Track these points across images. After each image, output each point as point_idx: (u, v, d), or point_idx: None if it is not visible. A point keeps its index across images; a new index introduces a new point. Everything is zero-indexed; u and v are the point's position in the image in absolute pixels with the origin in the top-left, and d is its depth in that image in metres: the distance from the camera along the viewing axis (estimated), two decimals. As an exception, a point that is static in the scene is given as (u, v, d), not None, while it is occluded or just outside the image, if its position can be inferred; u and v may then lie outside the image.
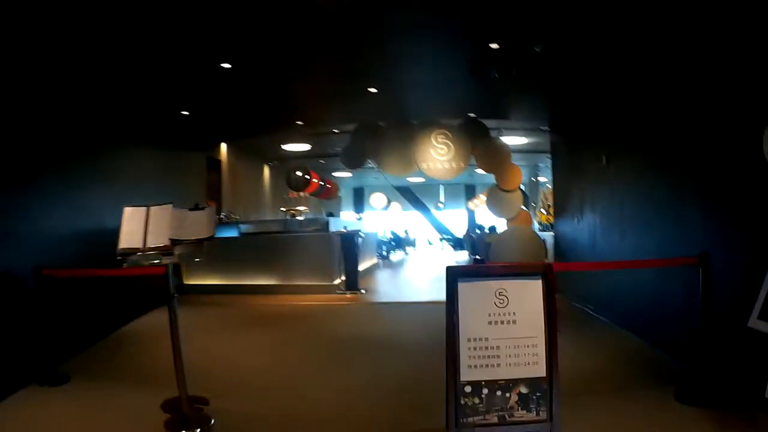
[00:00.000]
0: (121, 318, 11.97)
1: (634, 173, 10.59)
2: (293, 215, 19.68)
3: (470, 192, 45.76)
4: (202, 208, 6.16)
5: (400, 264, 30.66)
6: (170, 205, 6.02)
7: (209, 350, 9.45)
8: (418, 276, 23.62)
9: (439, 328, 5.71)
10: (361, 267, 19.73)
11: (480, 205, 39.08)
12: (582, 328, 11.22)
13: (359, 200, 46.30)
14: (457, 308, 5.40)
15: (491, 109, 17.97)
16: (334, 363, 8.99)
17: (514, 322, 5.49)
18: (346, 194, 43.18)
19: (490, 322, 5.44)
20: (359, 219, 32.34)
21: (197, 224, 5.97)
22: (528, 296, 5.54)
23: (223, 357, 9.28)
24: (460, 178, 38.90)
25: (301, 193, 19.44)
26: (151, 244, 5.88)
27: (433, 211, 46.21)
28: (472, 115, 18.24)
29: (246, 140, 23.18)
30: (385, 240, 34.22)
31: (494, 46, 11.19)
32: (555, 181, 17.01)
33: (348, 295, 15.87)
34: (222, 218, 19.41)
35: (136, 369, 8.71)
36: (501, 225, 22.24)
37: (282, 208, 19.80)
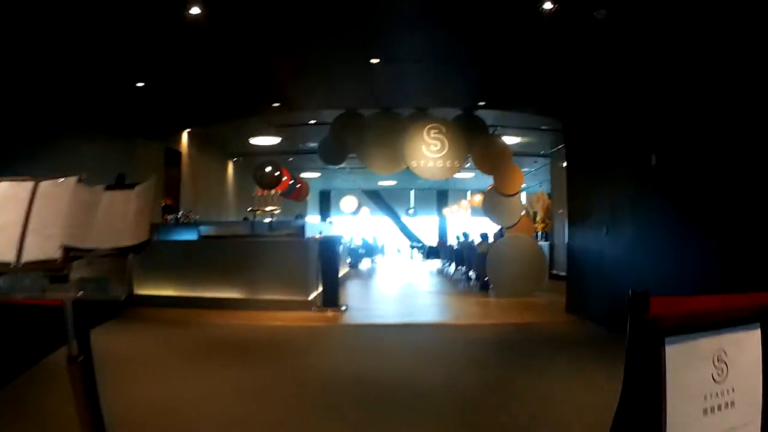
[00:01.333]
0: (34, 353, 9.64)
1: (700, 177, 8.57)
2: (263, 216, 16.99)
3: (442, 198, 44.28)
4: (131, 186, 2.86)
5: (371, 274, 28.34)
6: (73, 180, 2.77)
7: (149, 395, 6.87)
8: (399, 289, 21.11)
9: (457, 366, 3.62)
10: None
11: (460, 211, 37.30)
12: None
13: (326, 204, 44.15)
14: (663, 393, 2.66)
15: (490, 99, 15.84)
16: (317, 426, 6.32)
17: (732, 404, 2.75)
18: (311, 197, 39.97)
19: (705, 411, 2.69)
20: (331, 223, 29.90)
21: (118, 219, 2.85)
22: (745, 359, 2.83)
23: (166, 408, 6.59)
24: (432, 183, 36.83)
25: (271, 192, 16.78)
26: (31, 256, 2.61)
27: (403, 217, 44.72)
28: (481, 104, 16.09)
29: (210, 129, 20.97)
30: (354, 247, 32.59)
31: (548, 6, 9.13)
32: (570, 185, 14.62)
33: (328, 314, 13.38)
34: (179, 218, 17.04)
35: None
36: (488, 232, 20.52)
37: (249, 208, 17.07)
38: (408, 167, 17.02)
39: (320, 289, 14.16)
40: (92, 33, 10.17)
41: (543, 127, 19.98)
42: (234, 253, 14.42)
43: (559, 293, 15.90)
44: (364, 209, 41.77)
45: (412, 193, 44.13)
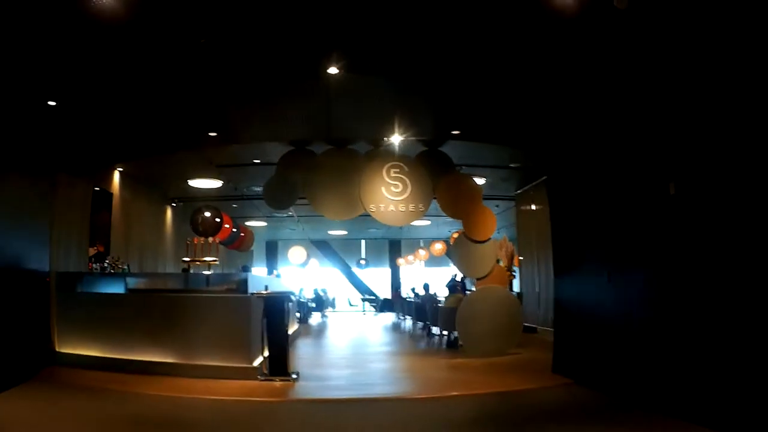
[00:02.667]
0: None
1: (737, 207, 7.29)
2: (201, 268, 14.86)
3: (395, 248, 43.28)
4: None
5: (323, 330, 26.38)
6: None
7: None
8: (355, 348, 18.94)
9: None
10: None
11: (416, 262, 35.89)
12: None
13: (272, 254, 43.06)
14: None
15: (464, 127, 13.99)
16: None
17: None
18: (257, 247, 39.05)
19: None
20: (278, 276, 28.06)
21: None
22: None
23: None
24: (384, 232, 37.09)
25: (209, 240, 14.72)
26: None
27: (354, 268, 43.37)
28: (455, 133, 14.15)
29: (145, 169, 19.23)
30: (304, 301, 30.70)
31: None
32: (555, 227, 12.75)
33: (276, 384, 11.28)
34: (105, 267, 15.10)
35: None
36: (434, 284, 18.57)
37: (184, 258, 14.95)
38: (365, 212, 15.21)
39: (266, 353, 12.05)
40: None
41: (512, 165, 18.44)
42: (166, 310, 12.56)
43: (535, 349, 15.33)
44: (313, 260, 40.17)
45: (363, 243, 43.17)
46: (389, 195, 14.87)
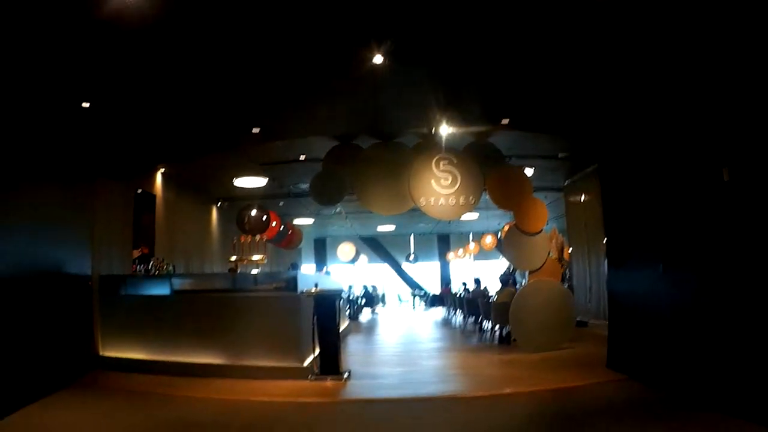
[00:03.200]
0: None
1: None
2: (248, 267, 14.60)
3: (444, 243, 43.18)
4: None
5: (373, 327, 25.93)
6: None
7: None
8: (406, 345, 18.46)
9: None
10: None
11: (466, 256, 35.54)
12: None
13: (321, 252, 43.17)
14: None
15: (515, 115, 13.45)
16: None
17: None
18: (306, 245, 39.45)
19: None
20: (328, 273, 27.76)
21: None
22: None
23: None
24: (433, 227, 37.24)
25: (257, 238, 14.49)
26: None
27: (403, 264, 43.21)
28: (504, 122, 13.62)
29: (187, 169, 18.97)
30: (354, 298, 30.67)
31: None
32: (608, 217, 12.44)
33: (327, 383, 11.03)
34: (150, 270, 14.85)
35: None
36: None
37: (231, 258, 14.73)
38: (414, 206, 14.94)
39: (317, 352, 11.84)
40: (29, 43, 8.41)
41: (561, 155, 18.14)
42: (213, 311, 12.34)
43: (587, 343, 14.95)
44: (362, 257, 39.96)
45: (412, 238, 42.72)
46: (439, 188, 14.52)
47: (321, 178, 15.17)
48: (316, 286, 12.28)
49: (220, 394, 10.16)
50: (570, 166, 19.83)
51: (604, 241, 17.37)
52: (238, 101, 11.81)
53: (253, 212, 18.31)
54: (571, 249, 22.09)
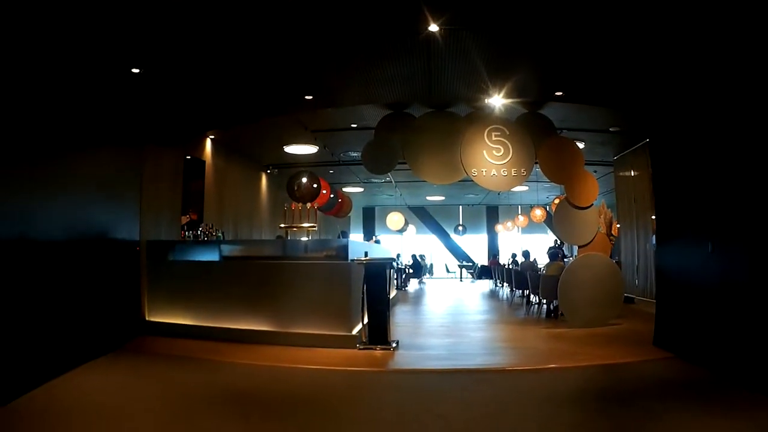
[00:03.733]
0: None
1: None
2: (298, 234, 14.53)
3: (492, 214, 42.64)
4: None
5: (421, 297, 25.81)
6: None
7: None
8: (453, 317, 18.25)
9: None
10: None
11: (512, 229, 35.48)
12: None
13: (369, 221, 42.96)
14: None
15: (567, 88, 13.24)
16: None
17: None
18: (354, 214, 39.53)
19: None
20: (378, 242, 27.76)
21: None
22: None
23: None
24: (482, 198, 36.99)
25: (308, 205, 14.41)
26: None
27: (451, 235, 42.93)
28: (558, 94, 13.54)
29: (237, 135, 18.95)
30: (402, 267, 30.63)
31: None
32: (657, 189, 12.18)
33: (376, 352, 11.09)
34: (198, 235, 14.94)
35: None
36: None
37: (281, 225, 14.67)
38: (466, 176, 14.83)
39: (365, 321, 11.84)
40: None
41: (612, 129, 17.91)
42: (262, 278, 12.46)
43: (634, 320, 15.03)
44: (411, 227, 39.93)
45: (461, 209, 42.43)
46: (491, 159, 14.41)
47: (373, 146, 15.07)
48: (366, 254, 12.30)
49: (268, 361, 10.18)
50: (620, 141, 19.58)
51: (653, 217, 17.46)
52: (290, 68, 11.69)
53: (304, 179, 18.21)
54: (618, 225, 21.89)
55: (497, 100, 13.68)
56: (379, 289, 11.59)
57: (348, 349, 11.24)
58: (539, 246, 32.56)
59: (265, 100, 13.80)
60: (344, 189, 29.45)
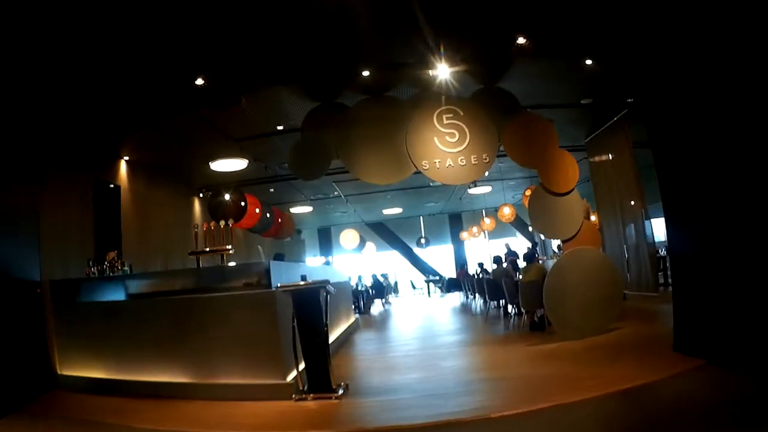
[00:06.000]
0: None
1: None
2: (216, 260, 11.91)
3: (456, 222, 40.84)
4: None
5: (385, 321, 23.20)
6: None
7: None
8: (423, 341, 15.44)
9: None
10: (335, 335, 13.96)
11: (479, 235, 34.03)
12: None
13: (326, 242, 41.02)
14: None
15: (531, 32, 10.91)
16: None
17: None
18: (310, 236, 38.98)
19: None
20: (328, 263, 25.56)
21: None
22: None
23: None
24: (443, 206, 35.75)
25: (221, 224, 11.77)
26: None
27: (414, 249, 41.28)
28: (521, 42, 11.07)
29: (153, 157, 17.14)
30: (362, 289, 28.60)
31: None
32: (658, 160, 9.82)
33: (314, 404, 8.52)
34: (104, 271, 12.52)
35: None
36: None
37: (189, 252, 12.10)
38: (417, 171, 12.52)
39: (303, 364, 9.22)
40: None
41: (583, 101, 15.67)
42: (175, 317, 10.21)
43: (634, 320, 13.02)
44: (369, 244, 38.27)
45: (422, 220, 40.62)
46: (444, 147, 12.21)
47: (299, 147, 12.89)
48: (304, 279, 9.74)
49: (187, 421, 8.23)
50: (592, 117, 17.66)
51: (632, 203, 16.94)
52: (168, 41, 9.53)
53: (228, 196, 15.88)
54: (593, 217, 19.85)
55: (445, 71, 11.57)
56: (313, 321, 8.97)
57: (282, 401, 8.83)
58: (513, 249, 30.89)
59: (155, 95, 11.67)
60: (292, 209, 27.70)
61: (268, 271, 9.83)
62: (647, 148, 10.35)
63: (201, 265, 11.48)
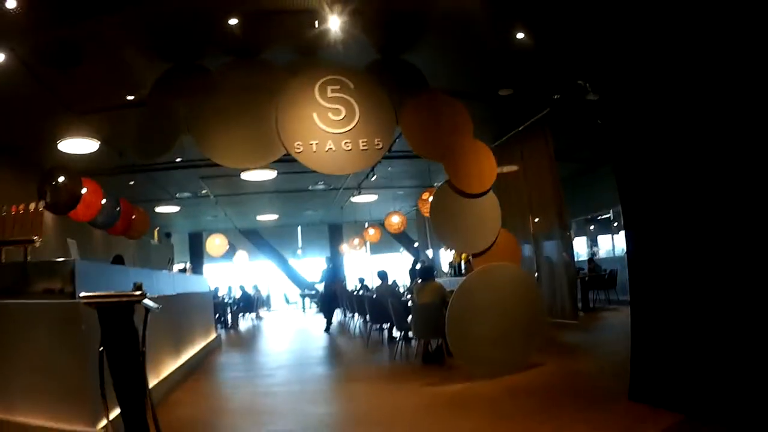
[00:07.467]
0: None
1: None
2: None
3: (336, 234, 39.29)
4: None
5: (252, 338, 21.20)
6: None
7: None
8: (291, 368, 13.07)
9: None
10: (184, 358, 11.79)
11: (361, 247, 32.50)
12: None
13: (197, 248, 38.35)
14: None
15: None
16: None
17: None
18: (180, 241, 36.71)
19: None
20: (183, 270, 22.89)
21: None
22: None
23: None
24: (323, 216, 34.30)
25: (30, 206, 9.07)
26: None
27: (290, 260, 39.91)
28: None
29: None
30: (229, 302, 26.88)
31: None
32: (617, 163, 8.23)
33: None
34: None
35: None
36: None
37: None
38: (287, 155, 9.90)
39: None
40: None
41: (501, 93, 13.55)
42: None
43: (558, 354, 11.15)
44: (242, 253, 36.41)
45: (299, 230, 39.66)
46: (325, 126, 9.70)
47: (144, 118, 10.34)
48: (137, 288, 6.81)
49: None
50: (506, 117, 15.90)
51: (536, 220, 16.71)
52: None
53: (61, 178, 13.01)
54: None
55: (335, 24, 9.21)
56: (126, 349, 6.10)
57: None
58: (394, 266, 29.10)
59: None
60: (157, 209, 25.17)
61: (72, 274, 7.04)
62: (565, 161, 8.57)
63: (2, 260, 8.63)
